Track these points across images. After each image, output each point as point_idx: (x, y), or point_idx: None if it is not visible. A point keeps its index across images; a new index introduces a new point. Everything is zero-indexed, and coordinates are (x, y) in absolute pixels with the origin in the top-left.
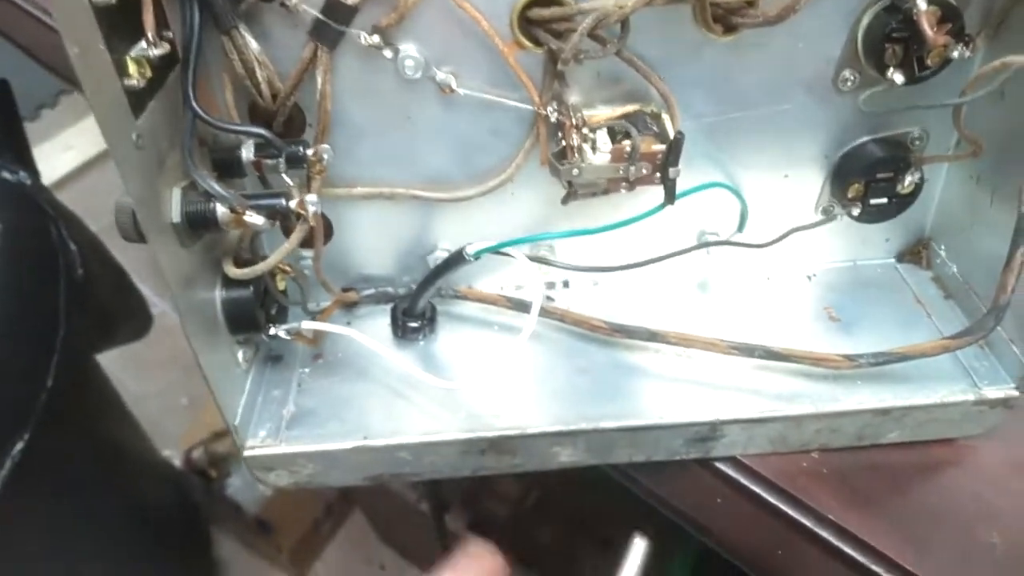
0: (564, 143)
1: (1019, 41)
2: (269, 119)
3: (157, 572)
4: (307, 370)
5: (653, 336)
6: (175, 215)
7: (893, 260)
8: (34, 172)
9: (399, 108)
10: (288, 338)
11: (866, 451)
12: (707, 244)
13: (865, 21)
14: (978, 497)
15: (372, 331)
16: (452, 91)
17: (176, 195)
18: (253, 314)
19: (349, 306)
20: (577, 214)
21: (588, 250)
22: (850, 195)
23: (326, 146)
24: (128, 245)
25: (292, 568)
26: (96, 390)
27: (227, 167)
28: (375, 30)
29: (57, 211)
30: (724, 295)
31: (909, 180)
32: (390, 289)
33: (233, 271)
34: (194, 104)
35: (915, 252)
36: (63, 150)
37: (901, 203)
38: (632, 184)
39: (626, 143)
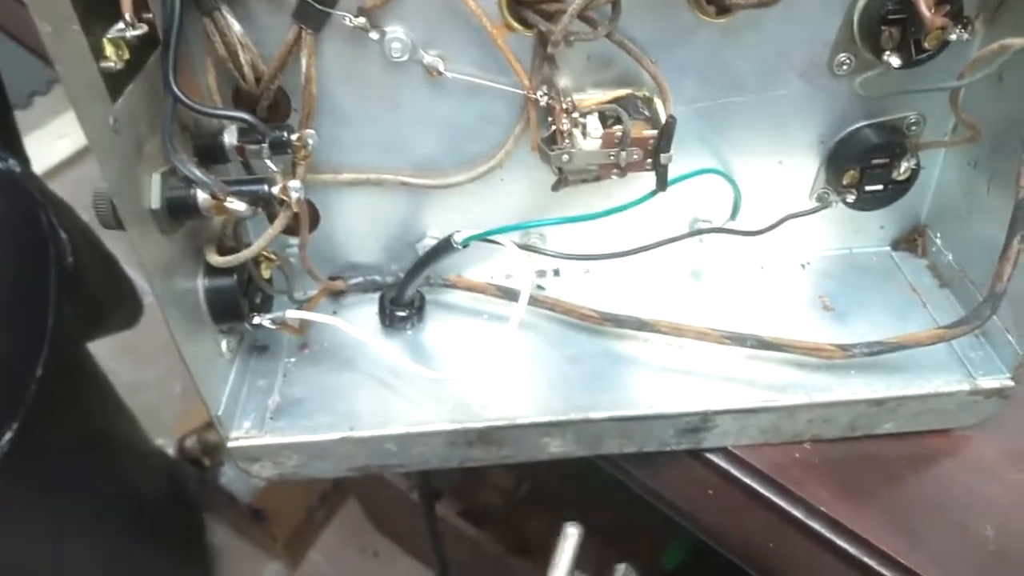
0: (554, 128)
1: (1018, 23)
2: (253, 103)
3: (150, 561)
4: (293, 360)
5: (644, 325)
6: (154, 201)
7: (888, 248)
8: (24, 160)
9: (386, 92)
10: (273, 327)
11: (859, 442)
12: (700, 231)
13: (861, 3)
14: (972, 488)
15: (359, 320)
16: (440, 74)
17: (156, 181)
18: (237, 303)
19: (336, 295)
20: (568, 201)
21: (579, 237)
22: (845, 182)
23: (311, 131)
24: (119, 233)
25: (286, 556)
26: (87, 379)
27: (209, 153)
28: (361, 12)
29: (47, 199)
30: (717, 283)
31: (905, 166)
32: (378, 277)
33: (215, 259)
34: (175, 88)
35: (910, 240)
36: (56, 138)
37: (897, 190)
38: (623, 170)
39: (617, 128)
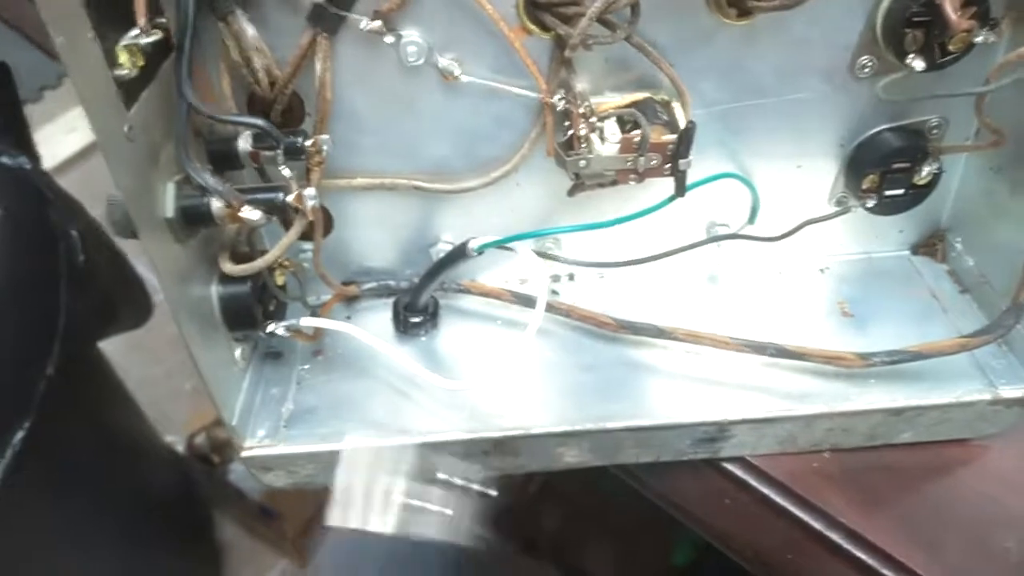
0: (571, 133)
1: None
2: (267, 109)
3: (160, 558)
4: (307, 367)
5: (661, 333)
6: (169, 210)
7: (907, 252)
8: (34, 157)
9: (401, 96)
10: (287, 335)
11: (877, 451)
12: (718, 238)
13: (885, 5)
14: (993, 500)
15: (373, 326)
16: (455, 78)
17: (170, 189)
18: (251, 311)
19: (350, 300)
20: (583, 206)
21: (594, 243)
22: (865, 186)
23: (326, 136)
24: None
25: (295, 554)
26: (98, 377)
27: (224, 159)
28: (376, 15)
29: (58, 196)
30: (734, 289)
31: (927, 171)
32: (391, 282)
33: (230, 267)
34: (189, 94)
35: (930, 245)
36: (66, 132)
37: (918, 194)
38: (641, 176)
39: (635, 133)
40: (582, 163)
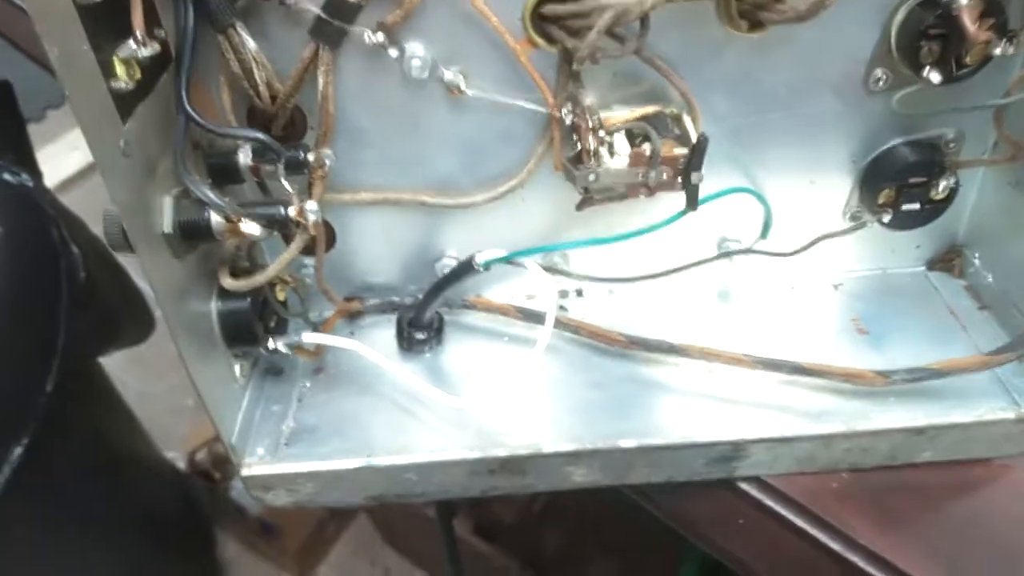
0: (580, 147)
1: None
2: (268, 122)
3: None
4: (308, 384)
5: (674, 350)
6: (167, 225)
7: (923, 268)
8: (36, 174)
9: (405, 110)
10: (289, 352)
11: (897, 471)
12: (730, 253)
13: (899, 17)
14: (1017, 521)
15: (376, 342)
16: (461, 92)
17: (168, 204)
18: (251, 327)
19: (352, 316)
20: (591, 221)
21: (602, 257)
22: (880, 201)
23: (328, 151)
24: None
25: (296, 571)
26: (98, 394)
27: (223, 173)
28: (380, 28)
29: (59, 213)
30: (746, 305)
31: (944, 185)
32: (395, 298)
33: (230, 283)
34: (188, 107)
35: (946, 260)
36: (69, 150)
37: (934, 209)
38: (652, 190)
39: (646, 147)
40: (591, 177)
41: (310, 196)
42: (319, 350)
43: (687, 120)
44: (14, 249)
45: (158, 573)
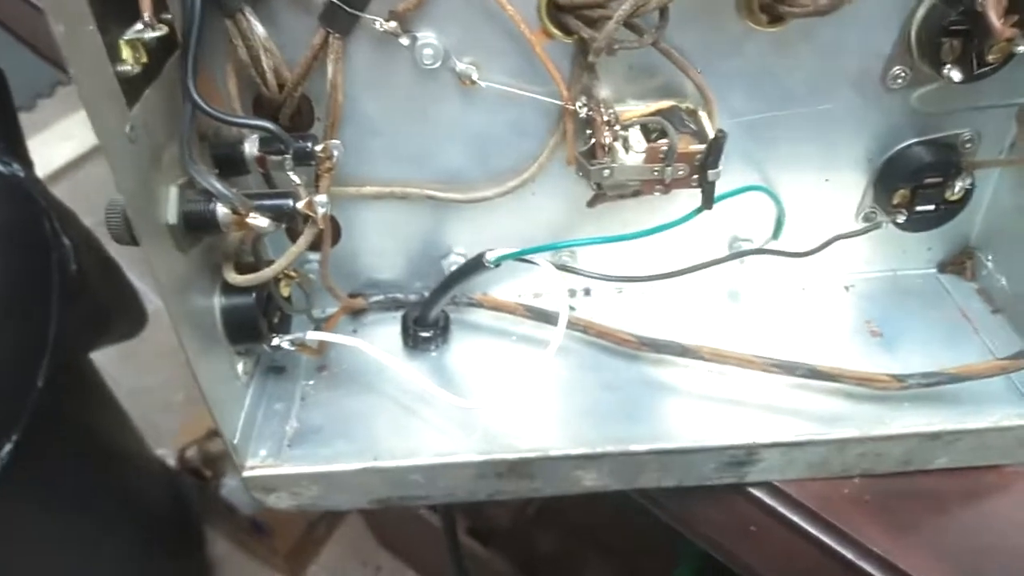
0: (594, 141)
1: None
2: (275, 111)
3: (150, 573)
4: (311, 382)
5: (685, 351)
6: (171, 216)
7: (934, 270)
8: (28, 164)
9: (415, 101)
10: (292, 349)
11: (910, 477)
12: (743, 253)
13: (921, 13)
14: None
15: (381, 340)
16: (473, 83)
17: (173, 194)
18: (255, 323)
19: (356, 313)
20: (601, 217)
21: (612, 255)
22: (895, 201)
23: (336, 141)
24: None
25: (287, 570)
26: (89, 389)
27: (229, 163)
28: (392, 15)
29: (50, 204)
30: (756, 306)
31: (959, 186)
32: (400, 295)
33: (235, 278)
34: (194, 93)
35: (958, 262)
36: (60, 140)
37: (949, 210)
38: (668, 187)
39: (662, 142)
40: (606, 173)
41: (317, 188)
42: (322, 347)
43: (703, 115)
44: (5, 240)
45: (147, 570)
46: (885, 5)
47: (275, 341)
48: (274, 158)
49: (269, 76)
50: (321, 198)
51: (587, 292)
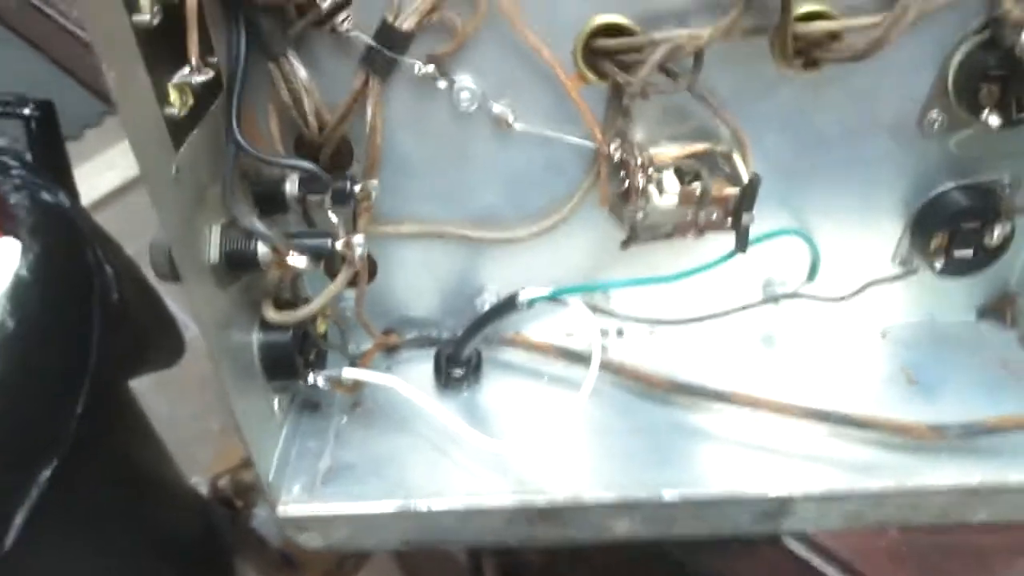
0: (628, 183)
1: None
2: (315, 152)
3: None
4: (345, 419)
5: (719, 397)
6: (214, 255)
7: (973, 317)
8: (73, 194)
9: (451, 142)
10: (327, 386)
11: (950, 530)
12: (777, 297)
13: (958, 57)
14: None
15: (414, 377)
16: (509, 126)
17: (215, 233)
18: (292, 360)
19: (390, 350)
20: (633, 259)
21: (645, 296)
22: (932, 246)
23: (374, 182)
24: None
25: None
26: (127, 417)
27: (269, 202)
28: (430, 59)
29: (94, 233)
30: (791, 350)
31: (999, 232)
32: (434, 333)
33: (274, 316)
34: (238, 135)
35: (998, 308)
36: (105, 169)
37: (988, 256)
38: (701, 230)
39: (695, 185)
40: (640, 215)
41: (355, 228)
42: (356, 385)
43: (737, 159)
44: (49, 269)
45: None
46: (921, 50)
47: (311, 378)
48: (313, 197)
49: (311, 118)
50: (359, 239)
51: (620, 333)
